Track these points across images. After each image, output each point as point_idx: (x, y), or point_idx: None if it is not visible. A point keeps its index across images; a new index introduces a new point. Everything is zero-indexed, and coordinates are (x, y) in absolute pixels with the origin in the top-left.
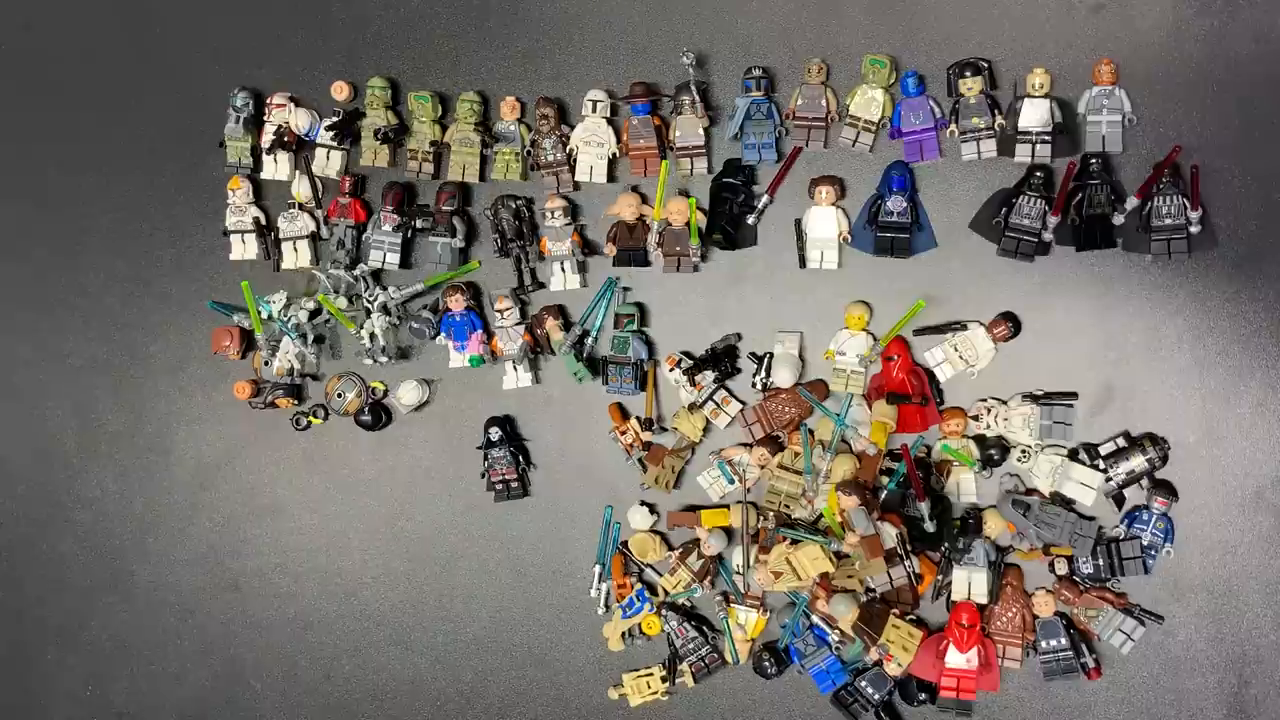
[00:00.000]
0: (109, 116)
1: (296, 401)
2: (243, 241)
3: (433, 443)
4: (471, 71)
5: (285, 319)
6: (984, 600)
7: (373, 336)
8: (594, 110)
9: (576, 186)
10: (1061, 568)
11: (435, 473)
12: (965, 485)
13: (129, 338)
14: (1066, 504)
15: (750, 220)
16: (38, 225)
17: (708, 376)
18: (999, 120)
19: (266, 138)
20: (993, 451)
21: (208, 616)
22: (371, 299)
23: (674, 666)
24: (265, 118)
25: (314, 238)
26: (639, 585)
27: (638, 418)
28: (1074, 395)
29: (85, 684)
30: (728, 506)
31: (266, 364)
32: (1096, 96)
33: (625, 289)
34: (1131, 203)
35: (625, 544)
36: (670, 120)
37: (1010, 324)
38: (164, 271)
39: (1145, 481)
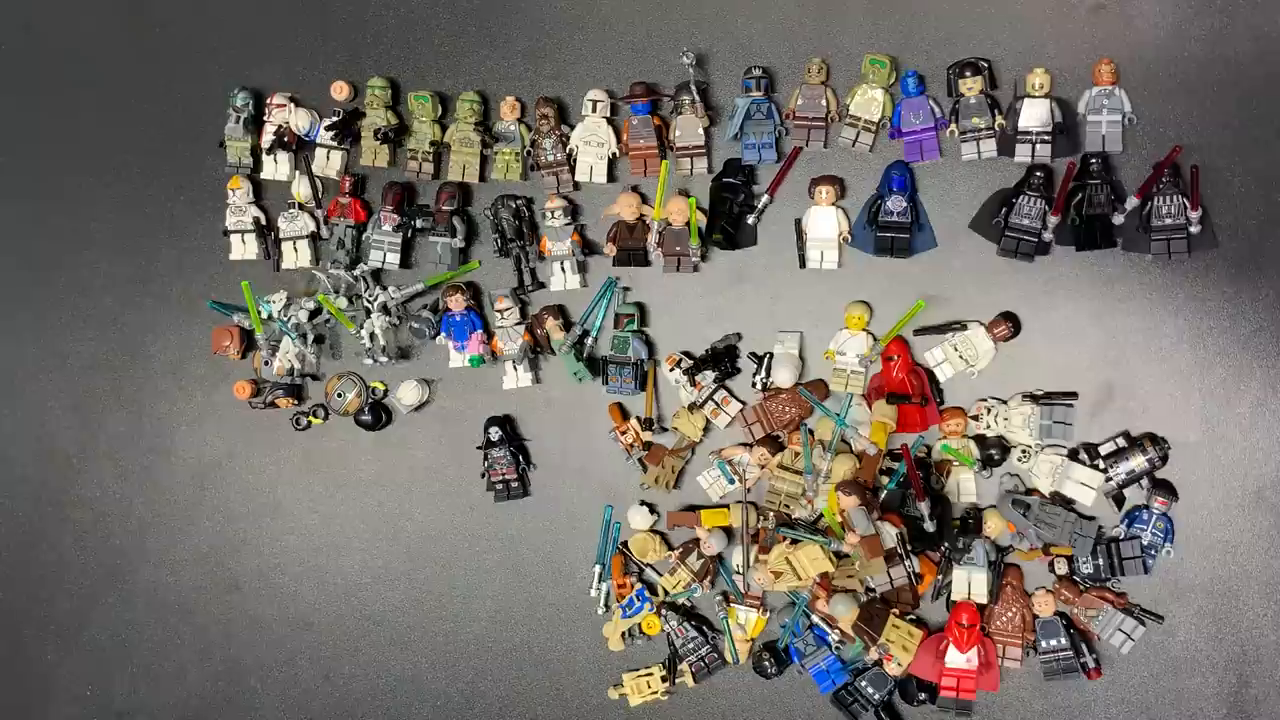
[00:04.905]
0: (109, 116)
1: (296, 401)
2: (243, 241)
3: (433, 443)
4: (471, 71)
5: (285, 319)
6: (984, 600)
7: (373, 336)
8: (594, 110)
9: (576, 186)
10: (1061, 568)
11: (435, 473)
12: (965, 485)
13: (129, 338)
14: (1066, 504)
15: (750, 220)
16: (38, 225)
17: (708, 376)
18: (999, 120)
19: (266, 138)
20: (993, 451)
21: (208, 616)
22: (371, 299)
23: (674, 666)
24: (265, 118)
25: (314, 238)
26: (639, 585)
27: (638, 418)
28: (1074, 395)
29: (85, 684)
30: (728, 506)
31: (266, 364)
32: (1096, 96)
33: (625, 289)
34: (1131, 203)
35: (625, 544)
36: (670, 120)
37: (1010, 324)
38: (164, 271)
39: (1145, 481)
